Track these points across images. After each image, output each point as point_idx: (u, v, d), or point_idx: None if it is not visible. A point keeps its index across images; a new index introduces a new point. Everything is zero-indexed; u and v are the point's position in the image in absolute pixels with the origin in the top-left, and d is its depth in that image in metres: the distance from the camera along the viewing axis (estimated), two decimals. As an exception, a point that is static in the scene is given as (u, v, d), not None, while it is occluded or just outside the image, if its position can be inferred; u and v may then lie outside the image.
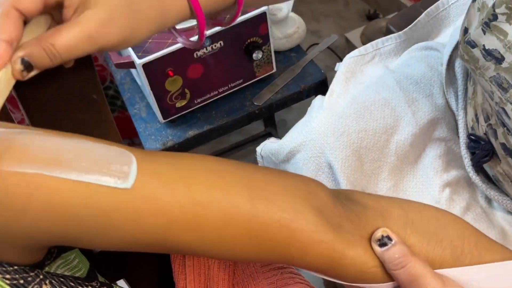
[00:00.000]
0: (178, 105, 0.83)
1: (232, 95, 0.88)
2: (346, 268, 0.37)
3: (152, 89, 0.78)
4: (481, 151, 0.59)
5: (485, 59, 0.48)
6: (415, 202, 0.41)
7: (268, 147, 0.79)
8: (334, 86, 0.74)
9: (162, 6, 0.41)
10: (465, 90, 0.65)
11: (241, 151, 1.30)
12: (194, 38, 0.50)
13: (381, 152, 0.67)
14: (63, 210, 0.31)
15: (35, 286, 0.35)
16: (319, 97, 0.78)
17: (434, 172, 0.67)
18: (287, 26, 0.92)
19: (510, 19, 0.44)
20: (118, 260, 0.58)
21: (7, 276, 0.33)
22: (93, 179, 0.31)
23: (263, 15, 0.79)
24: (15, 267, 0.34)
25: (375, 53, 0.77)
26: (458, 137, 0.68)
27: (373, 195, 0.42)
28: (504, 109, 0.50)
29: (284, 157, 0.75)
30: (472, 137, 0.61)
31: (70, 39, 0.36)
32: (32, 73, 0.36)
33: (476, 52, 0.49)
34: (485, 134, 0.59)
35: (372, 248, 0.38)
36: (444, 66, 0.67)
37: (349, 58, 0.77)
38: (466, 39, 0.50)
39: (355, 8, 1.84)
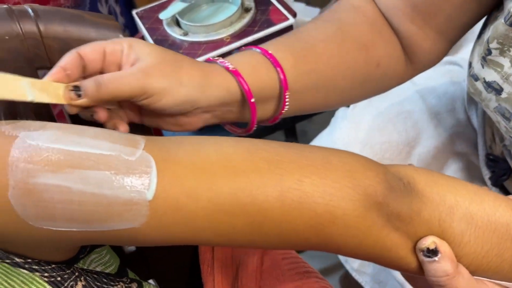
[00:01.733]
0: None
1: (257, 105, 0.90)
2: (385, 263, 0.36)
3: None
4: (499, 170, 0.61)
5: (486, 91, 0.50)
6: (489, 196, 0.36)
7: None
8: (358, 99, 0.76)
9: (205, 72, 0.44)
10: (483, 111, 0.67)
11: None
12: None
13: (403, 164, 0.69)
14: (87, 223, 0.32)
15: (71, 283, 0.36)
16: (342, 108, 0.80)
17: None
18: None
19: (503, 52, 0.46)
20: (148, 260, 0.60)
21: (46, 274, 0.35)
22: (113, 193, 0.31)
23: (290, 28, 0.82)
24: (53, 266, 0.35)
25: (398, 66, 0.79)
26: (477, 152, 0.69)
27: (442, 180, 0.36)
28: (503, 141, 0.52)
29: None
30: (490, 156, 0.63)
31: (117, 74, 0.41)
32: (80, 101, 0.40)
33: (479, 85, 0.51)
34: (502, 154, 0.60)
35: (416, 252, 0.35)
36: (467, 82, 0.69)
37: (373, 71, 0.79)
38: (470, 73, 0.52)
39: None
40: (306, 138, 1.44)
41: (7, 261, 0.33)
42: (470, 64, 0.53)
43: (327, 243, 0.35)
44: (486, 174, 0.65)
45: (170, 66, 0.42)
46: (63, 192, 0.31)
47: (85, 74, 0.42)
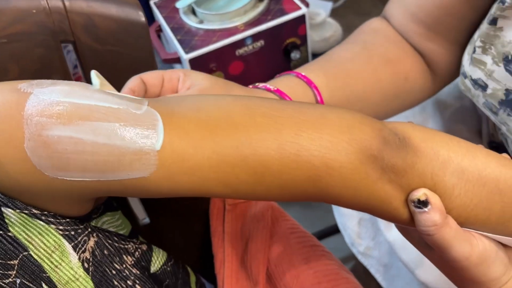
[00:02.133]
0: (218, 99, 0.88)
1: (269, 93, 0.93)
2: (379, 214, 0.38)
3: (196, 82, 0.83)
4: None
5: (474, 88, 0.52)
6: (482, 153, 0.37)
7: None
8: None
9: (249, 91, 0.50)
10: None
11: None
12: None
13: None
14: (100, 173, 0.34)
15: (84, 238, 0.38)
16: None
17: None
18: (324, 30, 0.97)
19: (485, 50, 0.49)
20: (159, 231, 0.62)
21: (60, 227, 0.37)
22: (123, 143, 0.33)
23: (302, 17, 0.84)
24: (67, 219, 0.37)
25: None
26: (481, 138, 0.71)
27: (436, 137, 0.37)
28: (500, 129, 0.53)
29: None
30: (493, 144, 0.64)
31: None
32: None
33: (467, 82, 0.53)
34: (501, 142, 0.62)
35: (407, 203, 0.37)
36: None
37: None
38: (461, 70, 0.54)
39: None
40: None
41: (26, 211, 0.35)
42: (461, 63, 0.56)
43: (324, 194, 0.36)
44: None
45: (222, 88, 0.47)
46: (76, 143, 0.33)
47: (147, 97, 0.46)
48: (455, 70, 0.58)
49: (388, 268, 0.75)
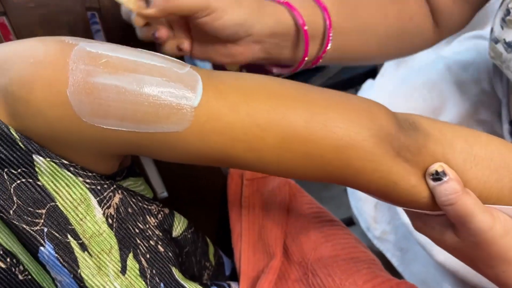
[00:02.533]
0: (235, 84, 0.89)
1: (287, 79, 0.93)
2: (398, 196, 0.39)
3: (213, 66, 0.84)
4: None
5: (506, 51, 0.52)
6: (484, 134, 0.40)
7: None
8: (385, 69, 0.79)
9: (276, 15, 0.48)
10: (508, 80, 0.68)
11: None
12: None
13: None
14: (137, 123, 0.35)
15: (110, 194, 0.39)
16: (369, 80, 0.83)
17: None
18: None
19: None
20: (177, 206, 0.63)
21: (87, 180, 0.37)
22: (163, 96, 0.35)
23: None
24: (94, 174, 0.38)
25: (426, 41, 0.81)
26: (501, 121, 0.70)
27: (440, 123, 0.40)
28: None
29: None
30: None
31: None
32: (147, 11, 0.42)
33: (499, 47, 0.53)
34: None
35: (426, 180, 0.38)
36: (488, 49, 0.71)
37: (401, 44, 0.81)
38: (491, 37, 0.55)
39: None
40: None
41: (56, 160, 0.36)
42: (491, 30, 0.56)
43: (347, 166, 0.38)
44: (509, 141, 0.66)
45: (237, 5, 0.45)
46: (119, 92, 0.34)
47: None
48: (458, 24, 0.59)
49: (404, 252, 0.74)
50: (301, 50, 0.52)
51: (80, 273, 0.37)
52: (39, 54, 0.34)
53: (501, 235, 0.37)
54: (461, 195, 0.37)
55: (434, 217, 0.40)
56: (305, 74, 0.94)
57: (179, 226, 0.48)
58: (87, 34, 0.52)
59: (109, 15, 0.51)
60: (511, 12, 0.50)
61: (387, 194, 0.40)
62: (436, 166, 0.38)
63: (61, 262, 0.36)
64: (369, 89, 0.77)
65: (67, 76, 0.33)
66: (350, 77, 0.93)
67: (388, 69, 0.78)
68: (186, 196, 0.63)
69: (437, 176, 0.38)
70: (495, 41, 0.54)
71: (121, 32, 0.53)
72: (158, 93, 0.35)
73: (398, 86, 0.73)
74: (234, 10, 0.45)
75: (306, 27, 0.49)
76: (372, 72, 0.92)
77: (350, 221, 0.98)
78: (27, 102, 0.33)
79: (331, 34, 0.51)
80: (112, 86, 0.34)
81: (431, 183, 0.38)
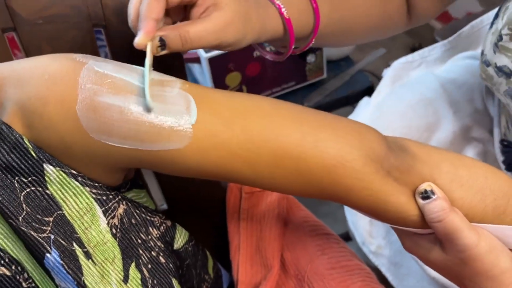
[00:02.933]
0: (234, 100, 0.91)
1: (284, 96, 0.95)
2: (388, 213, 0.41)
3: (214, 82, 0.86)
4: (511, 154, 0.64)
5: (497, 75, 0.54)
6: (468, 158, 0.42)
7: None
8: (381, 87, 0.81)
9: (264, 20, 0.48)
10: (499, 100, 0.70)
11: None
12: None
13: None
14: (140, 142, 0.37)
15: (115, 204, 0.40)
16: (366, 98, 0.84)
17: None
18: (338, 38, 1.00)
19: None
20: (176, 218, 0.64)
21: (94, 190, 0.39)
22: (161, 120, 0.37)
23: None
24: (101, 184, 0.39)
25: (421, 60, 0.83)
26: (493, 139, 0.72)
27: (427, 146, 0.42)
28: None
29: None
30: (504, 142, 0.66)
31: (201, 30, 0.42)
32: (163, 52, 0.42)
33: (490, 70, 0.55)
34: None
35: (415, 199, 0.40)
36: (479, 70, 0.73)
37: (397, 64, 0.83)
38: (483, 60, 0.56)
39: (401, 41, 1.90)
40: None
41: (65, 170, 0.37)
42: (482, 52, 0.57)
43: (337, 184, 0.39)
44: (500, 158, 0.68)
45: (242, 21, 0.45)
46: (122, 112, 0.36)
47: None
48: (427, 17, 0.61)
49: (398, 267, 0.75)
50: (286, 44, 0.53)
51: (83, 281, 0.38)
52: (53, 71, 0.36)
53: (486, 252, 0.39)
54: (449, 212, 0.39)
55: (423, 236, 0.42)
56: (302, 91, 0.96)
57: (180, 238, 0.49)
58: (93, 49, 0.54)
59: (114, 32, 0.53)
60: (504, 38, 0.52)
61: (377, 212, 0.41)
62: (425, 185, 0.39)
63: (65, 269, 0.37)
64: (365, 107, 0.79)
65: (76, 93, 0.36)
66: (347, 95, 0.94)
67: (384, 87, 0.80)
68: (186, 208, 0.64)
69: (426, 195, 0.39)
70: (487, 64, 0.56)
71: (126, 48, 0.55)
72: (160, 115, 0.37)
73: (394, 104, 0.75)
74: (239, 43, 0.46)
75: (293, 47, 0.51)
76: (368, 90, 0.94)
77: (347, 236, 0.99)
78: (41, 115, 0.35)
79: (313, 41, 0.53)
80: (115, 106, 0.36)
81: (420, 201, 0.40)
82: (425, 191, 0.39)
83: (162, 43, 0.41)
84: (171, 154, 0.38)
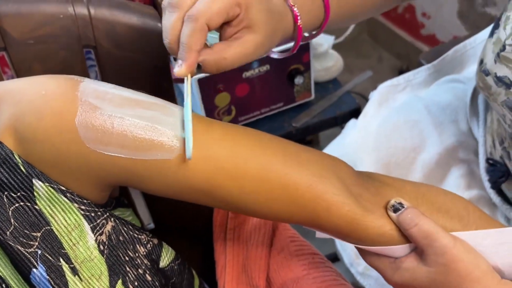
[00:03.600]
0: (224, 120, 0.92)
1: (273, 116, 0.96)
2: (365, 230, 0.43)
3: (203, 102, 0.87)
4: (497, 172, 0.65)
5: (496, 85, 0.55)
6: (425, 184, 0.47)
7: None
8: (368, 109, 0.82)
9: (283, 31, 0.48)
10: (485, 120, 0.72)
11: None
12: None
13: (408, 168, 0.74)
14: (134, 150, 0.38)
15: (103, 221, 0.41)
16: (353, 120, 0.86)
17: (456, 190, 0.72)
18: (326, 60, 1.02)
19: None
20: (163, 237, 0.64)
21: (82, 207, 0.40)
22: (162, 127, 0.39)
23: (307, 45, 0.88)
24: (89, 201, 0.40)
25: (406, 84, 0.85)
26: (478, 159, 0.73)
27: (390, 176, 0.48)
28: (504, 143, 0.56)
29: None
30: (490, 161, 0.67)
31: (235, 56, 0.42)
32: (197, 75, 0.44)
33: (489, 79, 0.56)
34: (501, 157, 0.65)
35: (388, 215, 0.43)
36: (469, 97, 0.74)
37: (383, 87, 0.85)
38: (481, 68, 0.57)
39: (388, 64, 1.93)
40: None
41: (54, 186, 0.38)
42: (481, 61, 0.58)
43: (318, 198, 0.42)
44: (486, 180, 0.69)
45: (270, 41, 0.45)
46: (122, 123, 0.38)
47: None
48: None
49: (385, 288, 0.76)
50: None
51: None
52: (51, 88, 0.37)
53: (465, 251, 0.40)
54: (421, 216, 0.42)
55: (405, 259, 0.43)
56: (290, 112, 0.97)
57: (166, 257, 0.50)
58: (83, 70, 0.54)
59: (104, 53, 0.54)
60: (507, 48, 0.53)
61: (357, 229, 0.43)
62: (393, 200, 0.44)
63: (52, 285, 0.37)
64: (352, 128, 0.80)
65: (76, 106, 0.37)
66: (334, 116, 0.96)
67: (370, 109, 0.81)
68: (173, 227, 0.65)
69: (396, 207, 0.43)
70: (486, 73, 0.56)
71: (115, 69, 0.55)
72: (157, 125, 0.39)
73: (380, 126, 0.77)
74: (264, 51, 0.46)
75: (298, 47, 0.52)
76: (356, 111, 0.96)
77: (335, 257, 0.99)
78: (36, 129, 0.36)
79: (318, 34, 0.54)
80: (116, 118, 0.38)
81: (392, 215, 0.43)
82: (394, 204, 0.43)
83: (198, 67, 0.42)
84: (162, 164, 0.39)
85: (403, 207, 0.43)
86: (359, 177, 0.46)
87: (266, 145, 0.43)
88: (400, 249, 0.43)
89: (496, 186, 0.66)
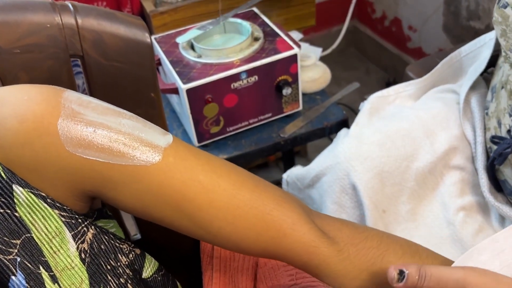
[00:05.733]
0: (212, 131, 0.92)
1: (261, 127, 0.97)
2: (324, 261, 0.45)
3: (191, 112, 0.87)
4: (504, 144, 0.65)
5: None
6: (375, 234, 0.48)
7: (294, 172, 0.86)
8: (360, 118, 0.83)
9: None
10: (482, 119, 0.72)
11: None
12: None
13: (402, 177, 0.74)
14: (112, 155, 0.39)
15: (84, 228, 0.41)
16: (344, 129, 0.86)
17: (449, 197, 0.73)
18: (314, 72, 1.02)
19: None
20: (149, 248, 0.64)
21: (63, 213, 0.39)
22: (143, 135, 0.40)
23: (294, 56, 0.89)
24: (69, 208, 0.40)
25: (396, 96, 0.86)
26: (473, 165, 0.74)
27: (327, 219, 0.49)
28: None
29: (310, 182, 0.82)
30: (495, 139, 0.68)
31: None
32: (400, 284, 0.42)
33: (509, 11, 0.59)
34: (508, 131, 0.65)
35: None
36: (461, 102, 0.75)
37: (374, 97, 0.86)
38: (500, 4, 0.60)
39: (376, 76, 1.95)
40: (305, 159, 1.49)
41: (33, 191, 0.38)
42: None
43: (286, 215, 0.44)
44: (483, 178, 0.69)
45: None
46: (103, 128, 0.38)
47: None
48: None
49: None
50: None
51: None
52: (33, 94, 0.38)
53: (479, 274, 0.40)
54: (422, 266, 0.41)
55: None
56: (278, 123, 0.97)
57: (149, 267, 0.49)
58: (70, 79, 0.54)
59: (91, 62, 0.54)
60: None
61: (314, 263, 0.45)
62: (392, 270, 0.42)
63: None
64: (345, 137, 0.80)
65: (59, 110, 0.37)
66: (322, 127, 0.96)
67: (362, 119, 0.82)
68: (159, 238, 0.64)
69: (401, 276, 0.42)
70: (504, 6, 0.59)
71: (102, 78, 0.55)
72: (137, 133, 0.40)
73: (372, 135, 0.77)
74: None
75: None
76: (343, 122, 0.96)
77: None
78: (17, 132, 0.36)
79: None
80: (97, 123, 0.38)
81: (401, 285, 0.42)
82: (399, 273, 0.42)
83: (402, 274, 0.42)
84: (138, 170, 0.40)
85: (404, 272, 0.42)
86: (311, 215, 0.48)
87: (234, 175, 0.44)
88: None
89: (501, 160, 0.65)
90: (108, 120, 0.39)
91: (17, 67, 0.52)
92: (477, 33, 0.84)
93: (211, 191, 0.42)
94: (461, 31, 1.46)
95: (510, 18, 0.59)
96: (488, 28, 1.24)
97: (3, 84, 0.52)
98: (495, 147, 0.68)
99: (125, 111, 0.42)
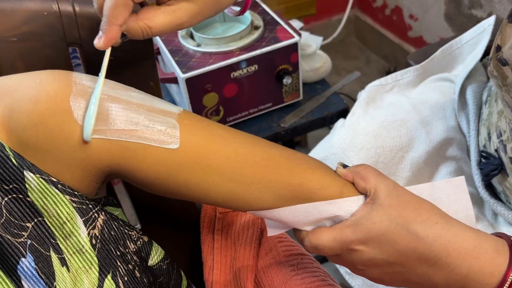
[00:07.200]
0: (212, 120, 0.91)
1: (261, 117, 0.96)
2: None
3: (191, 102, 0.86)
4: (490, 165, 0.65)
5: None
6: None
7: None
8: (356, 108, 0.82)
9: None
10: (477, 113, 0.72)
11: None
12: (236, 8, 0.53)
13: (397, 167, 0.74)
14: (132, 134, 0.39)
15: (94, 214, 0.41)
16: (341, 119, 0.86)
17: None
18: (314, 61, 1.02)
19: None
20: (150, 238, 0.63)
21: (74, 199, 0.39)
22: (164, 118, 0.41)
23: (295, 45, 0.88)
24: (80, 193, 0.40)
25: (394, 84, 0.85)
26: (468, 156, 0.74)
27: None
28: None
29: (306, 171, 0.81)
30: (483, 154, 0.67)
31: (164, 25, 0.41)
32: (124, 39, 0.42)
33: (507, 70, 0.53)
34: (496, 150, 0.65)
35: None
36: (457, 93, 0.75)
37: (371, 86, 0.85)
38: (498, 56, 0.54)
39: (376, 65, 1.94)
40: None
41: (44, 176, 0.38)
42: (498, 48, 0.54)
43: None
44: (476, 174, 0.69)
45: (208, 10, 0.43)
46: (115, 100, 0.40)
47: None
48: None
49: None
50: None
51: (55, 286, 0.37)
52: (45, 76, 0.39)
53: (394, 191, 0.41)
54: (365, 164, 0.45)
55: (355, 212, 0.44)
56: (279, 113, 0.97)
57: (156, 255, 0.49)
58: (67, 68, 0.53)
59: (89, 51, 0.53)
60: None
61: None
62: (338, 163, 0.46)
63: (39, 274, 0.37)
64: (341, 128, 0.80)
65: (70, 88, 0.38)
66: (322, 117, 0.96)
67: (358, 109, 0.82)
68: (160, 228, 0.64)
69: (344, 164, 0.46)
70: (502, 62, 0.53)
71: (100, 67, 0.55)
72: (155, 111, 0.41)
73: (367, 125, 0.77)
74: (203, 18, 0.44)
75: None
76: (344, 112, 0.96)
77: (324, 258, 0.99)
78: (32, 113, 0.37)
79: None
80: (113, 97, 0.40)
81: (342, 169, 0.45)
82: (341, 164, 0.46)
83: (123, 35, 0.42)
84: (156, 151, 0.40)
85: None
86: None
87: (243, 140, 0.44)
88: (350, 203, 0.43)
89: (487, 179, 0.66)
90: (119, 93, 0.40)
91: (13, 56, 0.51)
92: (479, 22, 0.83)
93: (233, 141, 0.43)
94: (463, 19, 1.45)
95: (508, 79, 0.54)
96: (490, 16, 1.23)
97: (0, 74, 0.52)
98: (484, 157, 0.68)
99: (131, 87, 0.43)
